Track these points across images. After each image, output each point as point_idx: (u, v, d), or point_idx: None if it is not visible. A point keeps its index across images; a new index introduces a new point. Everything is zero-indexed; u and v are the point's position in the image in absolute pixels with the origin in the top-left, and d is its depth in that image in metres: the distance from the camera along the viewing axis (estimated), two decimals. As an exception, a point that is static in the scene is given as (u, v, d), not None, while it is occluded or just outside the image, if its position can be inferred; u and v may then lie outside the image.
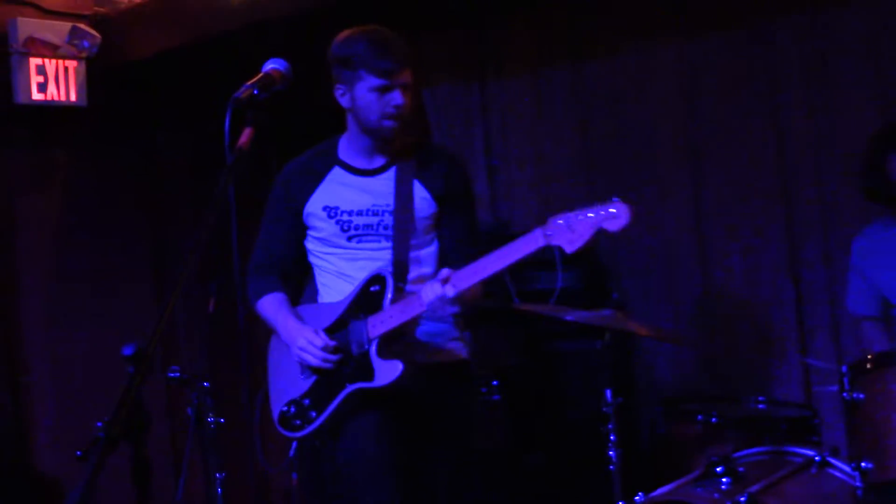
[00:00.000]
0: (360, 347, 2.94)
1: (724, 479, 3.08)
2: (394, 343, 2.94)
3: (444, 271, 2.84)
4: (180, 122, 5.51)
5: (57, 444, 5.04)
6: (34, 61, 4.91)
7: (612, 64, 4.60)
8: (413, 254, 3.03)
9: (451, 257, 3.05)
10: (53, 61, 4.95)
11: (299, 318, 3.09)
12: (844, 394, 2.97)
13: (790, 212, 4.21)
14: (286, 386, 3.11)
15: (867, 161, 3.61)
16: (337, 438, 3.00)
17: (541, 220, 4.50)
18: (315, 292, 3.18)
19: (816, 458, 3.19)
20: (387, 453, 2.93)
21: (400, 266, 3.00)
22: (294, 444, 3.20)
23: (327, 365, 2.97)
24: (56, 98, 4.96)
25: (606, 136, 4.64)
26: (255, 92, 2.39)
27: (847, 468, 3.04)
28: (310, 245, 3.14)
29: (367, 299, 2.98)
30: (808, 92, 4.15)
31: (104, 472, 1.72)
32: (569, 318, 3.36)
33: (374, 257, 3.03)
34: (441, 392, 3.05)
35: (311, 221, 3.10)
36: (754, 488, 3.00)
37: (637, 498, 3.13)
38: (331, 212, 3.06)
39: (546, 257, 4.34)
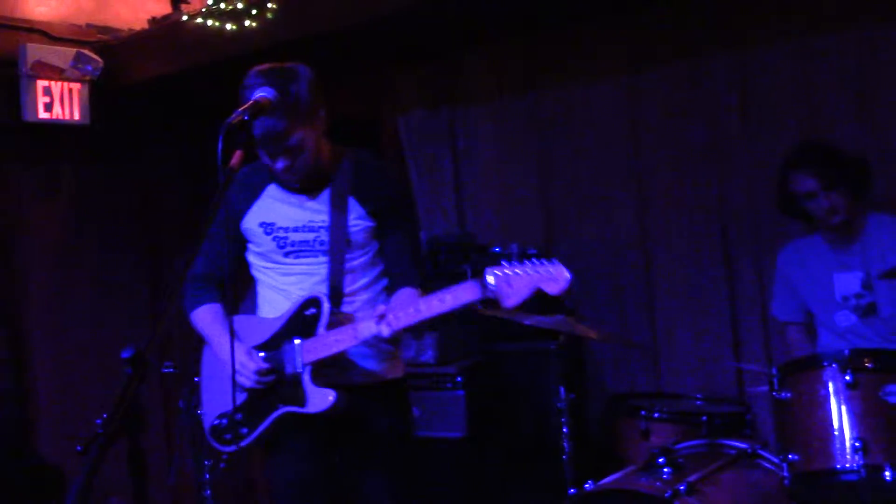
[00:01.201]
0: (293, 370, 2.69)
1: (665, 470, 3.06)
2: (327, 367, 2.70)
3: (381, 308, 2.60)
4: (175, 140, 5.45)
5: (60, 434, 4.97)
6: (41, 83, 4.86)
7: (566, 94, 4.61)
8: (349, 268, 2.77)
9: (393, 270, 2.82)
10: (59, 83, 4.90)
11: (233, 332, 2.77)
12: (774, 393, 2.97)
13: (725, 227, 4.23)
14: (219, 398, 2.85)
15: (778, 184, 3.64)
16: (269, 453, 2.81)
17: (505, 235, 4.61)
18: (254, 305, 2.93)
19: (749, 451, 3.19)
20: (312, 476, 2.76)
21: (335, 289, 2.74)
22: (224, 457, 2.94)
23: (260, 386, 2.71)
24: (61, 117, 4.91)
25: (560, 158, 4.64)
26: (246, 118, 2.34)
27: (775, 460, 3.04)
28: (250, 258, 2.89)
29: (302, 322, 2.72)
30: (743, 121, 4.18)
31: (105, 460, 1.69)
32: (527, 322, 3.34)
33: (311, 272, 2.78)
34: (375, 411, 2.79)
35: (249, 236, 2.84)
36: (693, 478, 2.99)
37: (587, 486, 3.10)
38: (267, 228, 2.81)
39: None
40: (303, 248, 2.78)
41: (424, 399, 4.09)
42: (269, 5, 4.42)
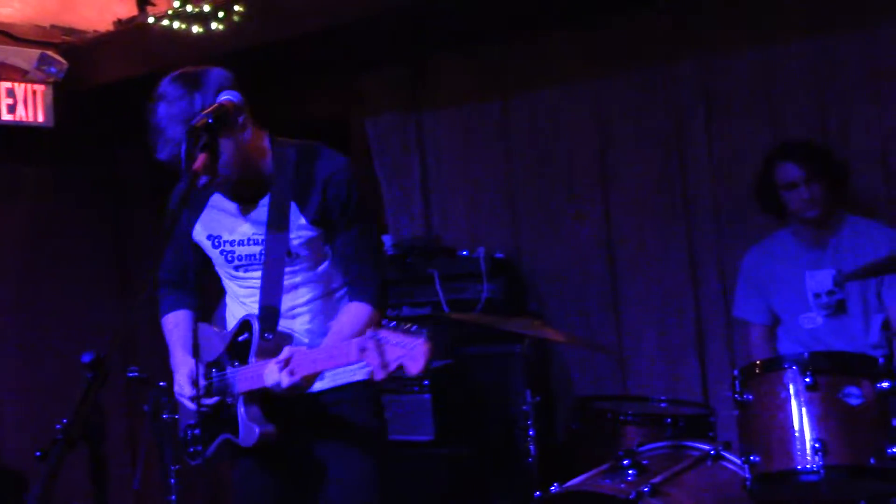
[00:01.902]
0: (231, 398, 2.53)
1: (630, 471, 3.08)
2: (260, 397, 2.50)
3: (286, 352, 2.40)
4: (143, 143, 5.41)
5: (22, 439, 4.92)
6: (4, 85, 4.82)
7: (534, 100, 4.63)
8: (292, 283, 2.57)
9: (345, 278, 2.61)
10: (23, 85, 4.86)
11: (192, 345, 2.60)
12: (735, 395, 2.99)
13: (690, 229, 4.28)
14: (187, 408, 2.68)
15: (760, 174, 3.69)
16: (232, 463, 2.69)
17: (472, 239, 4.63)
18: (223, 310, 2.78)
19: (711, 452, 3.21)
20: (268, 492, 2.65)
21: (268, 310, 2.53)
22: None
23: (204, 409, 2.55)
24: (24, 119, 4.87)
25: (528, 163, 4.67)
26: (210, 121, 2.33)
27: (738, 461, 3.07)
28: (216, 268, 2.72)
29: (237, 347, 2.55)
30: (707, 124, 4.23)
31: (65, 466, 1.68)
32: (494, 325, 3.36)
33: (257, 286, 2.59)
34: (338, 416, 2.61)
35: (203, 248, 2.68)
36: (656, 479, 3.01)
37: (552, 488, 3.12)
38: (215, 241, 2.64)
39: (473, 270, 4.37)
40: (250, 262, 2.60)
41: (392, 403, 4.09)
42: (237, 8, 4.42)
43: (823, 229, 3.63)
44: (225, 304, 2.77)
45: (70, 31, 5.15)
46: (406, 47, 4.77)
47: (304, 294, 2.60)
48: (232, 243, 2.61)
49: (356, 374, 2.64)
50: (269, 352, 2.48)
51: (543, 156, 4.62)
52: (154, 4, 4.93)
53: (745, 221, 4.08)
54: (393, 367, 2.20)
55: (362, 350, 2.22)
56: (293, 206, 2.53)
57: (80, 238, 5.27)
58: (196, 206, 2.65)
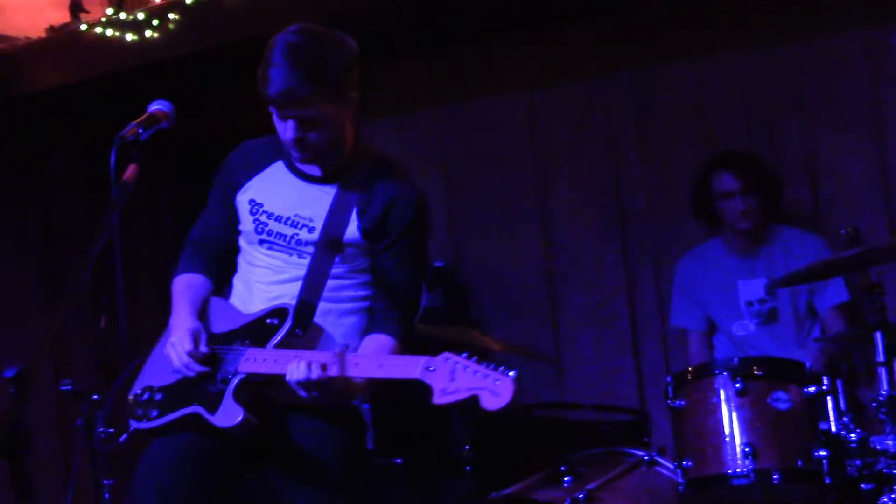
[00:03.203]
0: (223, 374, 2.43)
1: (566, 479, 3.12)
2: (259, 384, 2.43)
3: (382, 344, 2.37)
4: (77, 151, 5.34)
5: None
6: (-70, 93, 4.72)
7: (469, 109, 4.67)
8: (329, 284, 2.48)
9: (376, 304, 2.50)
10: (-49, 93, 4.76)
11: (199, 310, 2.53)
12: (668, 401, 3.05)
13: (626, 237, 4.35)
14: (155, 370, 2.55)
15: (697, 182, 3.76)
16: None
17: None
18: (230, 287, 2.66)
19: (646, 458, 3.25)
20: (179, 487, 2.40)
21: (306, 304, 2.45)
22: (130, 430, 2.54)
23: (188, 372, 2.43)
24: (-49, 128, 4.77)
25: (465, 172, 4.70)
26: (140, 131, 2.29)
27: (671, 466, 3.12)
28: (240, 240, 2.61)
29: (260, 328, 2.45)
30: (641, 135, 4.31)
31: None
32: (433, 334, 3.37)
33: (276, 268, 2.50)
34: (314, 433, 2.46)
35: (239, 213, 2.57)
36: (591, 485, 3.05)
37: (491, 496, 3.14)
38: (254, 208, 2.52)
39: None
40: (276, 242, 2.50)
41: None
42: (171, 16, 4.39)
43: (755, 239, 3.71)
44: (232, 281, 2.65)
45: (1, 37, 5.05)
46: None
47: (335, 293, 2.50)
48: (270, 215, 2.51)
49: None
50: (293, 346, 2.40)
51: (481, 165, 4.65)
52: (87, 11, 4.86)
53: (680, 230, 4.17)
54: (462, 396, 2.15)
55: (428, 369, 2.18)
56: (354, 209, 2.46)
57: (7, 248, 5.17)
58: (253, 167, 2.56)
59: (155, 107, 2.44)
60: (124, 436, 2.69)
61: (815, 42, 3.97)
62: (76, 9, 4.85)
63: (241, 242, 2.61)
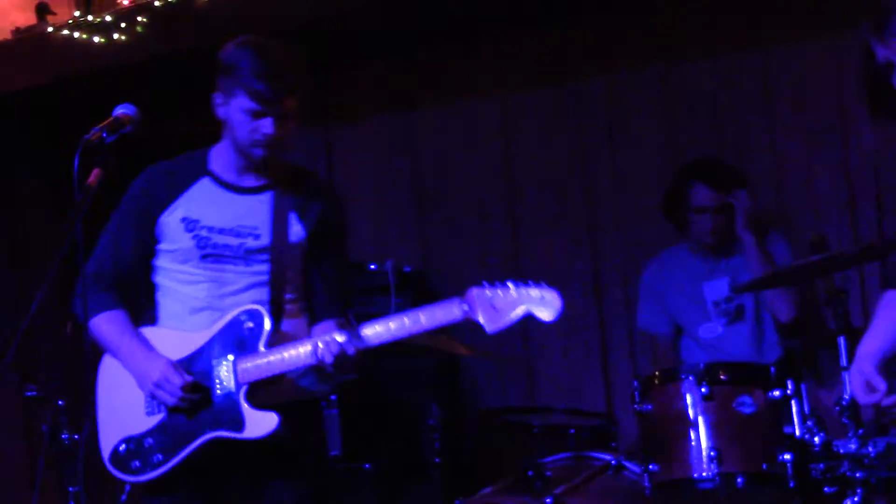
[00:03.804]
0: (224, 391, 2.43)
1: (533, 483, 3.13)
2: (263, 388, 2.44)
3: (341, 321, 2.48)
4: (42, 155, 5.30)
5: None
6: None
7: (442, 113, 4.69)
8: (286, 285, 2.56)
9: (317, 299, 2.62)
10: (-85, 95, 4.71)
11: (148, 343, 2.53)
12: (635, 405, 3.07)
13: (594, 241, 4.38)
14: (122, 420, 2.50)
15: (673, 186, 3.77)
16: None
17: (380, 253, 4.64)
18: (155, 315, 2.63)
19: (613, 462, 3.27)
20: None
21: (277, 302, 2.51)
22: (127, 488, 2.63)
23: (183, 405, 2.43)
24: (-83, 130, 4.72)
25: (435, 177, 4.71)
26: (105, 135, 2.27)
27: (638, 470, 3.14)
28: (158, 261, 2.60)
29: (237, 337, 2.46)
30: (610, 140, 4.34)
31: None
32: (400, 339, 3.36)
33: (224, 280, 2.53)
34: (293, 434, 2.50)
35: (166, 232, 2.56)
36: (559, 490, 3.06)
37: (457, 502, 3.15)
38: (189, 225, 2.54)
39: (381, 284, 4.38)
40: (223, 253, 2.53)
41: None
42: (140, 19, 4.37)
43: (720, 244, 3.75)
44: (155, 306, 2.63)
45: (-35, 38, 5.00)
46: (313, 60, 4.77)
47: (289, 297, 2.59)
48: (211, 229, 2.54)
49: (310, 388, 2.60)
50: (278, 343, 2.46)
51: (452, 170, 4.67)
52: (54, 13, 4.83)
53: (648, 235, 4.20)
54: (514, 318, 2.31)
55: (465, 306, 2.33)
56: (293, 213, 2.57)
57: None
58: (176, 187, 2.58)
59: (120, 110, 2.43)
60: (123, 495, 2.75)
61: (785, 49, 4.01)
62: (43, 11, 4.82)
63: (167, 263, 2.60)
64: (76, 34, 4.51)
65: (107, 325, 2.57)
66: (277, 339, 2.48)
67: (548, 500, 2.99)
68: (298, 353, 2.43)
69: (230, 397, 2.43)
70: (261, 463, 2.50)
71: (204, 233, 2.54)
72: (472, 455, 3.99)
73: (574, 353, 4.39)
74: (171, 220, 2.57)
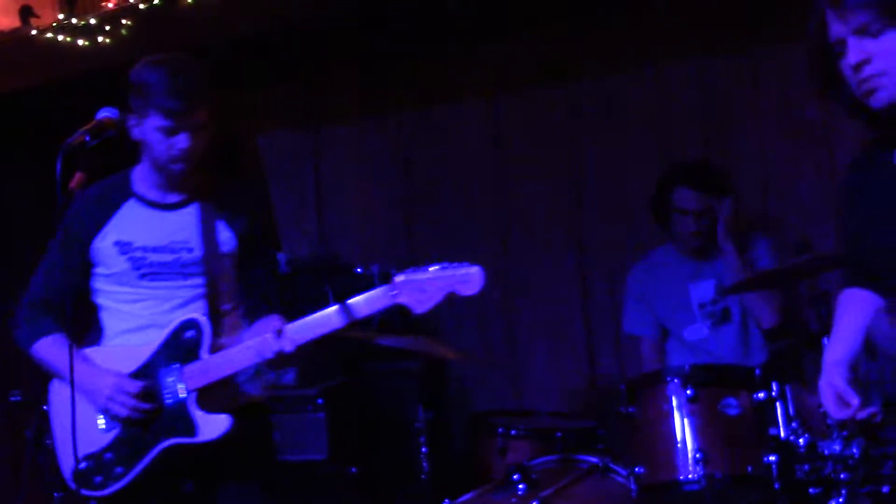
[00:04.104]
0: (174, 399, 2.53)
1: (520, 486, 3.13)
2: (211, 393, 2.54)
3: (276, 322, 2.54)
4: (26, 158, 5.28)
5: None
6: None
7: (430, 116, 4.69)
8: (222, 294, 2.66)
9: (254, 296, 2.71)
10: None
11: (92, 361, 2.60)
12: (621, 408, 3.08)
13: (581, 245, 4.39)
14: (80, 439, 2.51)
15: (659, 188, 3.78)
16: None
17: (368, 256, 4.64)
18: (99, 335, 2.70)
19: (600, 465, 3.27)
20: None
21: (215, 310, 2.62)
22: (92, 503, 2.57)
23: (137, 415, 2.52)
24: None
25: (424, 179, 4.72)
26: (87, 138, 2.29)
27: (625, 472, 3.15)
28: (97, 284, 2.68)
29: (180, 347, 2.56)
30: (599, 142, 4.35)
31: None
32: (385, 342, 3.37)
33: (167, 297, 2.62)
34: (240, 436, 2.58)
35: (100, 258, 2.64)
36: (545, 493, 3.06)
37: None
38: (123, 248, 2.62)
39: (369, 287, 4.37)
40: (161, 271, 2.62)
41: (285, 422, 4.06)
42: (124, 22, 4.36)
43: (706, 246, 3.76)
44: (99, 326, 2.71)
45: (-51, 41, 4.98)
46: (300, 62, 4.78)
47: (225, 303, 2.68)
48: (145, 249, 2.62)
49: (255, 392, 2.70)
50: (221, 347, 2.56)
51: (439, 172, 4.67)
52: (38, 16, 4.81)
53: (635, 237, 4.21)
54: (439, 298, 2.43)
55: (392, 292, 2.44)
56: (220, 222, 2.65)
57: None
58: (103, 213, 2.65)
59: (103, 114, 2.43)
60: None
61: (772, 52, 4.03)
62: (27, 13, 4.80)
63: (106, 286, 2.67)
64: (60, 37, 4.49)
65: (50, 348, 2.65)
66: (219, 345, 2.58)
67: (534, 503, 2.98)
68: (240, 354, 2.52)
69: (181, 405, 2.53)
70: (215, 466, 2.60)
71: (139, 254, 2.62)
72: (459, 458, 3.99)
73: (561, 355, 4.40)
74: (103, 246, 2.64)
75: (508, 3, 4.18)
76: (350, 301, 2.50)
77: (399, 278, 2.47)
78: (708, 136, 4.14)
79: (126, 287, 2.64)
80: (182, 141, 2.54)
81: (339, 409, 4.13)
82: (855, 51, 1.83)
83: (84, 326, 2.75)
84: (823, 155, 4.01)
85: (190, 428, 2.51)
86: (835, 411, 2.02)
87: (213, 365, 2.54)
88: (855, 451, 2.74)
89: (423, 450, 3.48)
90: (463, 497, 3.22)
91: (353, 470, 4.02)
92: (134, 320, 2.64)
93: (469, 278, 2.46)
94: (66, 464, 2.61)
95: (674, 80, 4.21)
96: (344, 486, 4.10)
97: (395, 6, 4.15)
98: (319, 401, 4.08)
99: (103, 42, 4.40)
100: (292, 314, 4.37)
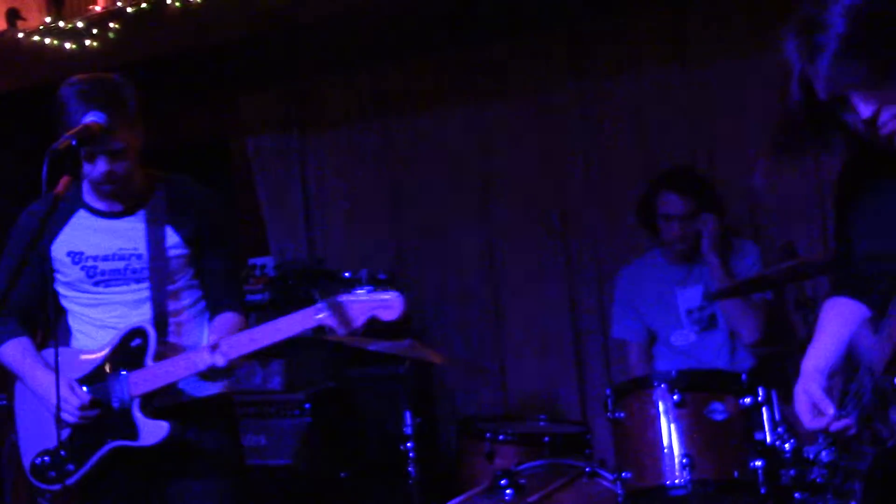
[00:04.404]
0: (121, 404, 2.65)
1: (507, 491, 3.13)
2: (156, 397, 2.67)
3: (213, 338, 2.63)
4: (13, 161, 5.25)
5: None
6: None
7: (415, 122, 4.70)
8: (171, 294, 2.74)
9: (212, 295, 2.79)
10: None
11: (48, 366, 2.70)
12: (608, 413, 3.09)
13: (568, 251, 4.39)
14: (38, 435, 2.72)
15: (644, 195, 3.80)
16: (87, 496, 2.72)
17: (355, 261, 4.63)
18: (67, 334, 2.82)
19: (587, 470, 3.28)
20: None
21: (160, 316, 2.71)
22: (48, 496, 2.82)
23: (84, 421, 2.64)
24: None
25: (410, 185, 4.72)
26: (73, 143, 2.28)
27: (612, 477, 3.15)
28: (59, 288, 2.78)
29: (127, 353, 2.67)
30: (584, 148, 4.36)
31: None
32: (371, 348, 3.37)
33: (123, 301, 2.72)
34: (199, 429, 2.73)
35: (57, 266, 2.74)
36: (532, 498, 3.07)
37: (431, 509, 3.15)
38: (75, 257, 2.71)
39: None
40: (113, 277, 2.71)
41: (271, 427, 4.06)
42: (111, 25, 4.35)
43: (693, 251, 3.77)
44: (66, 328, 2.81)
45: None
46: (288, 66, 4.77)
47: (176, 307, 2.76)
48: (95, 258, 2.70)
49: (215, 387, 2.79)
50: (165, 355, 2.66)
51: (424, 177, 4.68)
52: (25, 19, 4.80)
53: (622, 243, 4.22)
54: (361, 321, 2.55)
55: (319, 315, 2.54)
56: (167, 226, 2.70)
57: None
58: (56, 223, 2.72)
59: (90, 118, 2.42)
60: (45, 502, 2.93)
61: (756, 56, 4.05)
62: (13, 16, 4.79)
63: (67, 291, 2.77)
64: (47, 40, 4.48)
65: (11, 352, 2.76)
66: (167, 350, 2.68)
67: (521, 508, 2.99)
68: (179, 366, 2.64)
69: (125, 409, 2.65)
70: (165, 464, 2.71)
71: (90, 262, 2.71)
72: (447, 463, 3.99)
73: (549, 360, 4.41)
74: (59, 255, 2.74)
75: (492, 10, 4.19)
76: (279, 320, 2.60)
77: (328, 300, 2.57)
78: (693, 142, 4.16)
79: (83, 293, 2.75)
80: (101, 166, 2.58)
81: (326, 414, 4.13)
82: (863, 105, 1.77)
83: (53, 327, 2.82)
84: (808, 160, 4.01)
85: (133, 432, 2.65)
86: (808, 420, 1.96)
87: (155, 373, 2.64)
88: (824, 457, 2.77)
89: (411, 455, 3.47)
90: (450, 502, 3.21)
91: (341, 475, 4.02)
92: (94, 322, 2.75)
93: (389, 304, 2.57)
94: (27, 457, 2.75)
95: (658, 86, 4.22)
96: (331, 492, 4.09)
97: (381, 13, 4.15)
98: (307, 406, 4.08)
99: (90, 45, 4.39)
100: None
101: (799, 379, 2.01)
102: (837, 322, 2.03)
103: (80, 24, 4.40)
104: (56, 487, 2.71)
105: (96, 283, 2.72)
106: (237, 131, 5.08)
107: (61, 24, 4.45)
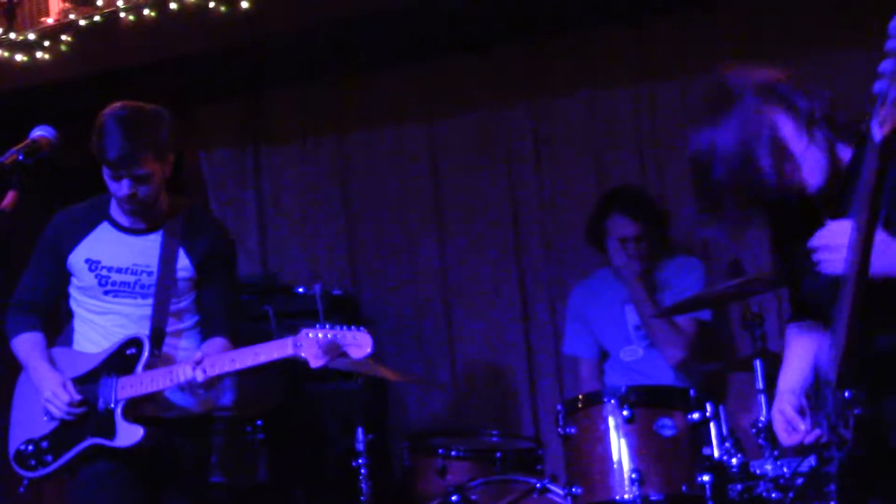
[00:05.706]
0: (106, 405, 2.85)
1: (459, 507, 3.14)
2: (139, 405, 2.88)
3: (199, 354, 2.81)
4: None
5: None
6: None
7: (371, 137, 4.70)
8: (173, 313, 2.97)
9: (208, 320, 3.03)
10: None
11: (52, 362, 2.96)
12: (559, 428, 3.11)
13: (522, 267, 4.42)
14: (27, 424, 2.95)
15: (594, 216, 3.83)
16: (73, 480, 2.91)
17: (309, 276, 4.61)
18: (70, 336, 3.06)
19: (538, 486, 3.29)
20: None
21: (158, 331, 2.92)
22: (25, 482, 2.96)
23: (70, 417, 2.86)
24: None
25: (365, 200, 4.71)
26: (20, 157, 2.26)
27: (563, 492, 3.17)
28: (71, 291, 3.03)
29: (121, 359, 2.89)
30: (537, 165, 4.39)
31: None
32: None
33: (127, 313, 2.95)
34: (176, 446, 2.95)
35: (74, 271, 2.99)
36: (484, 513, 3.08)
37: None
38: (92, 265, 2.96)
39: (310, 307, 4.35)
40: (122, 290, 2.94)
41: (224, 444, 4.01)
42: (64, 38, 4.31)
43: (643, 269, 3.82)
44: (71, 330, 3.05)
45: None
46: (243, 80, 4.76)
47: (176, 325, 2.98)
48: (110, 269, 2.95)
49: (199, 407, 3.00)
50: (155, 366, 2.87)
51: (379, 193, 4.68)
52: (-26, 31, 4.73)
53: (575, 260, 4.25)
54: (332, 356, 2.73)
55: (297, 345, 2.73)
56: (181, 248, 2.95)
57: None
58: (80, 230, 2.98)
59: (38, 132, 2.39)
60: (21, 488, 3.01)
61: (704, 76, 4.09)
62: (-37, 28, 4.72)
63: (78, 295, 3.02)
64: (-2, 52, 4.42)
65: (23, 344, 3.02)
66: (159, 362, 2.89)
67: (472, 524, 2.99)
68: (164, 377, 2.84)
69: (109, 410, 2.85)
70: (143, 469, 2.89)
71: (104, 272, 2.95)
72: (400, 478, 3.97)
73: (501, 376, 4.41)
74: (76, 261, 2.98)
75: (447, 26, 4.22)
76: (258, 346, 2.80)
77: (303, 332, 2.75)
78: (643, 158, 4.20)
79: (93, 300, 2.98)
80: (125, 188, 2.83)
81: (279, 431, 4.10)
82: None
83: (62, 327, 3.13)
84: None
85: (111, 432, 2.83)
86: (785, 438, 2.11)
87: (142, 381, 2.84)
88: (786, 471, 2.81)
89: (363, 471, 3.47)
90: (402, 518, 3.21)
91: (294, 492, 3.99)
92: (98, 329, 2.98)
93: (359, 342, 2.77)
94: (13, 443, 2.95)
95: (608, 103, 4.27)
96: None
97: (336, 29, 4.16)
98: (259, 423, 4.04)
99: (42, 58, 4.35)
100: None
101: (774, 400, 2.18)
102: (802, 344, 2.18)
103: (31, 37, 4.35)
104: (33, 475, 2.89)
105: (106, 293, 2.95)
106: (190, 144, 5.03)
107: (13, 35, 4.39)
